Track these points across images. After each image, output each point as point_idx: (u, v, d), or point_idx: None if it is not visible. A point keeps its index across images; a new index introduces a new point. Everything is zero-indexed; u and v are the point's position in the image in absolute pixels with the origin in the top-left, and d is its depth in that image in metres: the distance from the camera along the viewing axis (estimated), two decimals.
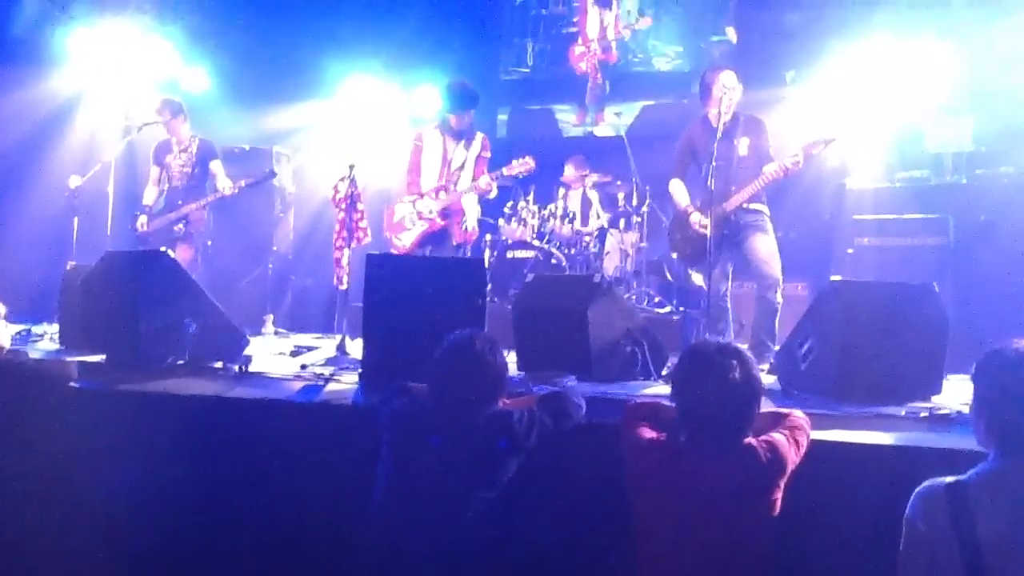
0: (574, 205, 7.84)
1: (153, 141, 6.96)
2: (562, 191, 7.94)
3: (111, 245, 6.18)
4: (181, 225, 6.73)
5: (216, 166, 6.81)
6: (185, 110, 6.84)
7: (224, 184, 6.65)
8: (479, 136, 6.07)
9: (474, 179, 5.95)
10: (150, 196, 6.84)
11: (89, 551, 3.34)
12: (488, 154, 6.07)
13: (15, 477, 3.40)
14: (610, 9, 9.29)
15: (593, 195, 7.96)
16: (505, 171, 6.05)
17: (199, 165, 6.81)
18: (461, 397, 2.82)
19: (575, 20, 9.42)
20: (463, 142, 5.99)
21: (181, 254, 6.55)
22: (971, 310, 5.08)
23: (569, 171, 7.96)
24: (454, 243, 6.02)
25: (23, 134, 7.65)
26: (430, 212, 5.93)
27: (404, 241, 5.96)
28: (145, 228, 6.69)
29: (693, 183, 5.41)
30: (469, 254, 6.29)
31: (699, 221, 5.18)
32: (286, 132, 8.52)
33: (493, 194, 6.14)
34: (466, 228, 6.07)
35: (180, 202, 6.72)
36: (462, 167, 5.98)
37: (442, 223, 5.95)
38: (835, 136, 5.00)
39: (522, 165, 6.05)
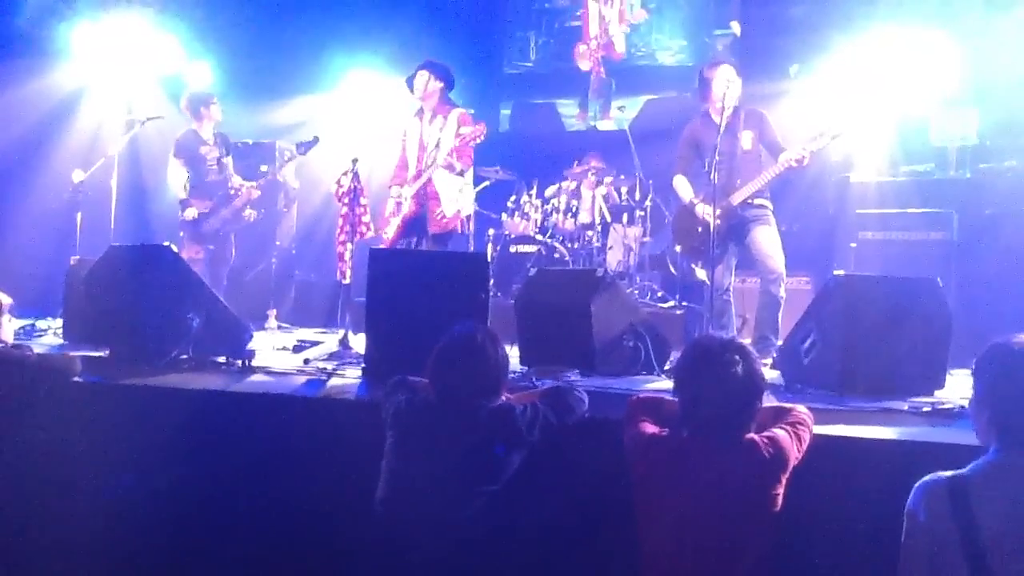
0: (587, 201, 7.79)
1: (157, 135, 6.94)
2: (572, 184, 7.91)
3: (115, 239, 6.18)
4: (250, 211, 6.64)
5: (228, 159, 6.76)
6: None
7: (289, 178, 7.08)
8: (454, 112, 5.68)
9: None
10: (183, 192, 6.46)
11: (93, 545, 3.36)
12: (466, 129, 5.54)
13: (19, 471, 3.42)
14: (609, 4, 9.25)
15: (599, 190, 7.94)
16: (456, 141, 5.56)
17: (225, 157, 6.71)
18: (462, 390, 2.81)
19: (579, 14, 9.34)
20: (437, 120, 5.67)
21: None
22: (974, 305, 5.07)
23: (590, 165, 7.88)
24: (429, 232, 5.61)
25: (27, 128, 7.67)
26: (404, 199, 5.65)
27: (388, 234, 5.68)
28: (198, 215, 6.40)
29: (697, 179, 5.39)
30: (448, 246, 5.78)
31: (705, 210, 5.16)
32: (289, 127, 8.51)
33: (458, 167, 5.58)
34: (443, 216, 5.60)
35: (231, 191, 6.53)
36: (437, 146, 5.61)
37: (415, 209, 5.63)
38: (841, 131, 4.98)
39: (473, 132, 5.50)
